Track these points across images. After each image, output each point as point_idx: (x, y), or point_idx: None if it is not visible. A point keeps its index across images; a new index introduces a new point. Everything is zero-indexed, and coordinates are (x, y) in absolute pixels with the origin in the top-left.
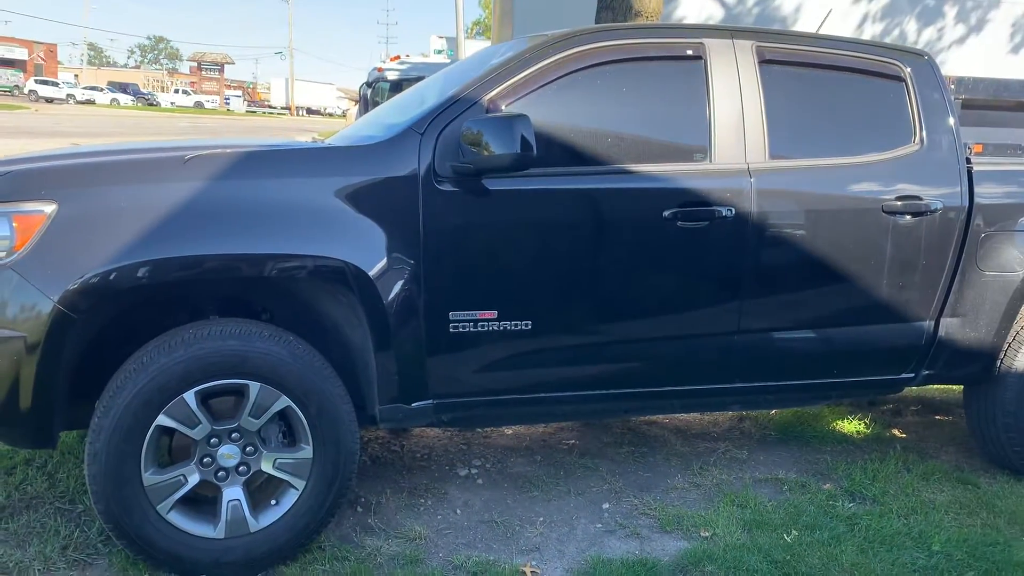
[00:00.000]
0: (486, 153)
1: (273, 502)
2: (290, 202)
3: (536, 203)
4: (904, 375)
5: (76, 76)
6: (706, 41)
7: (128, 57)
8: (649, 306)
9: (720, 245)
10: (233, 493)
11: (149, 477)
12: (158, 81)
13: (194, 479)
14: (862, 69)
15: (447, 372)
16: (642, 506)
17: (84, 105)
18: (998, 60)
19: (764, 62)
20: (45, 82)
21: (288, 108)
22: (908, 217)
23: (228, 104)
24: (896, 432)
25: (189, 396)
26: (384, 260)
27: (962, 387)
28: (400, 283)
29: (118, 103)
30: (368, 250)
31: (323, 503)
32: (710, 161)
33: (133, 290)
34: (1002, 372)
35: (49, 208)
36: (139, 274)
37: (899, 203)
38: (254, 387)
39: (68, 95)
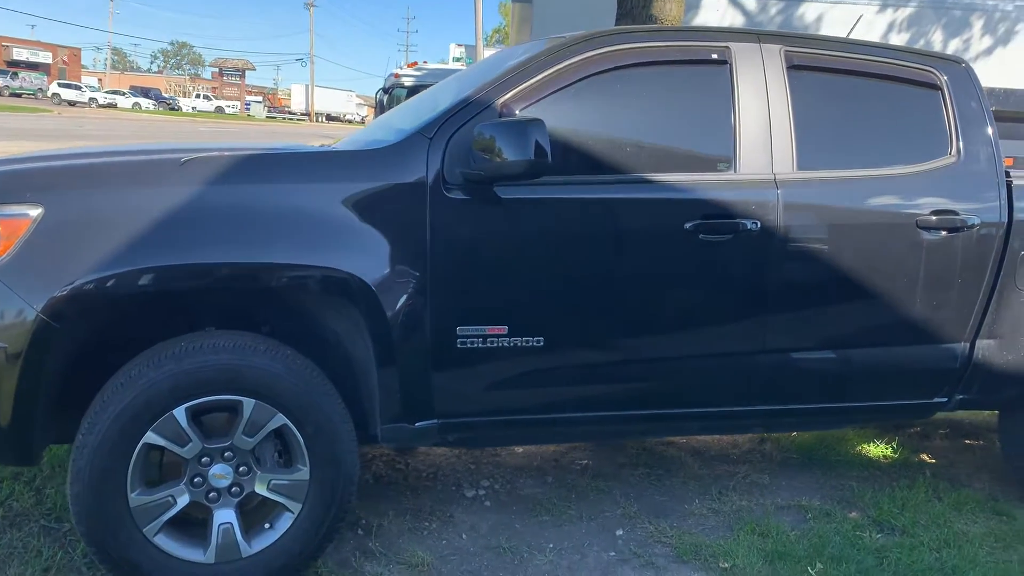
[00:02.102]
0: (498, 160)
1: (267, 525)
2: (292, 208)
3: (551, 213)
4: (936, 399)
5: (100, 80)
6: (732, 45)
7: (151, 62)
8: (668, 323)
9: (744, 260)
10: (225, 516)
11: (136, 498)
12: (180, 86)
13: (183, 500)
14: (896, 76)
15: (453, 390)
16: (658, 533)
17: (106, 109)
18: None
19: (793, 67)
20: (68, 86)
21: (308, 114)
22: (943, 233)
23: (248, 110)
24: (925, 457)
25: (179, 412)
26: (388, 271)
27: (997, 412)
28: (405, 296)
29: (140, 107)
30: (371, 260)
31: (320, 527)
32: (735, 171)
33: (128, 299)
34: None
35: (34, 212)
36: (138, 281)
37: (933, 218)
38: (248, 404)
39: (90, 99)
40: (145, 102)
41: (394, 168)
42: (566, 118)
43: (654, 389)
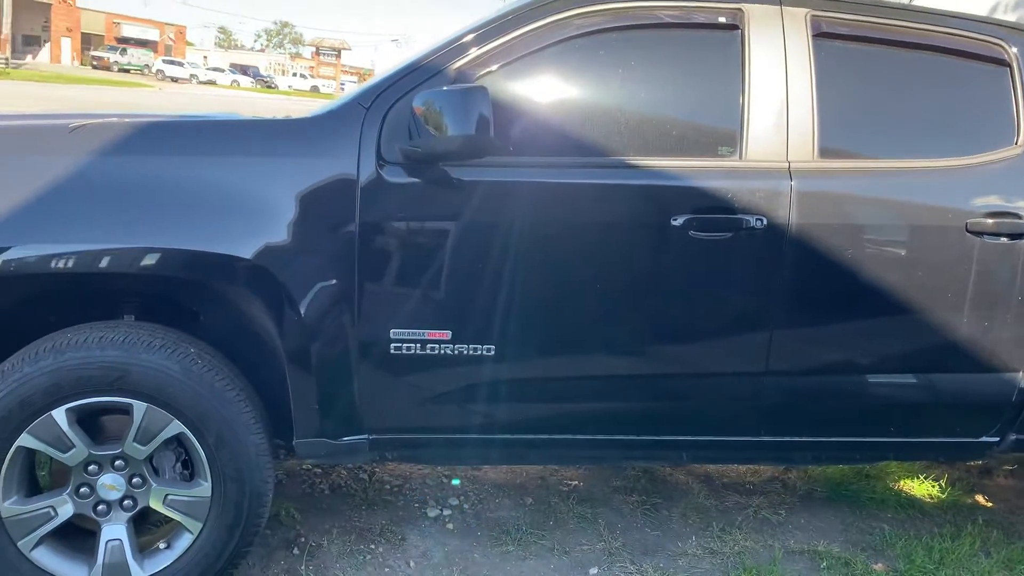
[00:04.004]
0: (436, 134)
1: (163, 545)
2: (192, 185)
3: (508, 199)
4: (985, 438)
5: (205, 57)
6: (746, 7)
7: (255, 40)
8: (648, 336)
9: (746, 264)
10: (114, 532)
11: (9, 507)
12: (279, 64)
13: (66, 512)
14: (952, 49)
15: (387, 403)
16: (638, 574)
17: (206, 85)
18: None
19: (820, 35)
20: (172, 62)
21: None
22: (1002, 239)
23: (344, 89)
24: (979, 499)
25: (59, 414)
26: (304, 260)
27: None
28: (325, 291)
29: (238, 84)
30: (284, 247)
31: (223, 551)
32: (740, 156)
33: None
34: None
35: None
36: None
37: (989, 221)
38: (139, 408)
39: (191, 75)
40: (244, 80)
41: (320, 140)
42: (536, 89)
43: (630, 413)
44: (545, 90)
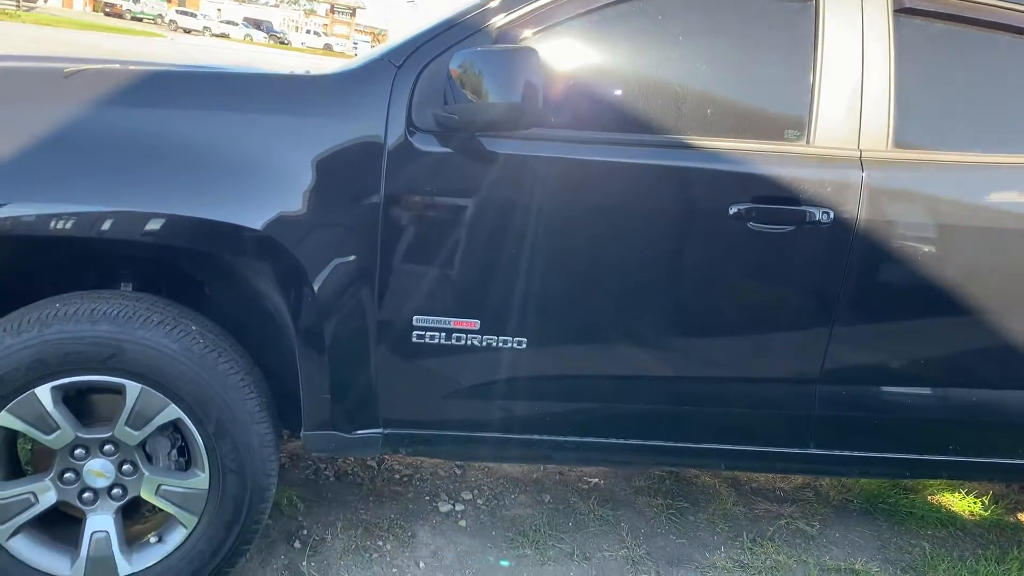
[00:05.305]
0: (475, 100)
1: (154, 539)
2: (202, 143)
3: (550, 178)
4: None
5: (219, 10)
6: None
7: None
8: (693, 335)
9: (807, 261)
10: (100, 523)
11: None
12: (293, 21)
13: (48, 499)
14: None
15: (404, 395)
16: None
17: (218, 38)
18: None
19: (903, 11)
20: (185, 13)
21: None
22: None
23: (356, 48)
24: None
25: (43, 392)
26: (321, 233)
27: None
28: (343, 267)
29: (251, 39)
30: (298, 217)
31: (219, 549)
32: (807, 142)
33: None
34: None
35: None
36: None
37: None
38: (132, 389)
39: (204, 27)
40: (257, 34)
41: (345, 101)
42: (587, 54)
43: (669, 416)
44: (597, 57)
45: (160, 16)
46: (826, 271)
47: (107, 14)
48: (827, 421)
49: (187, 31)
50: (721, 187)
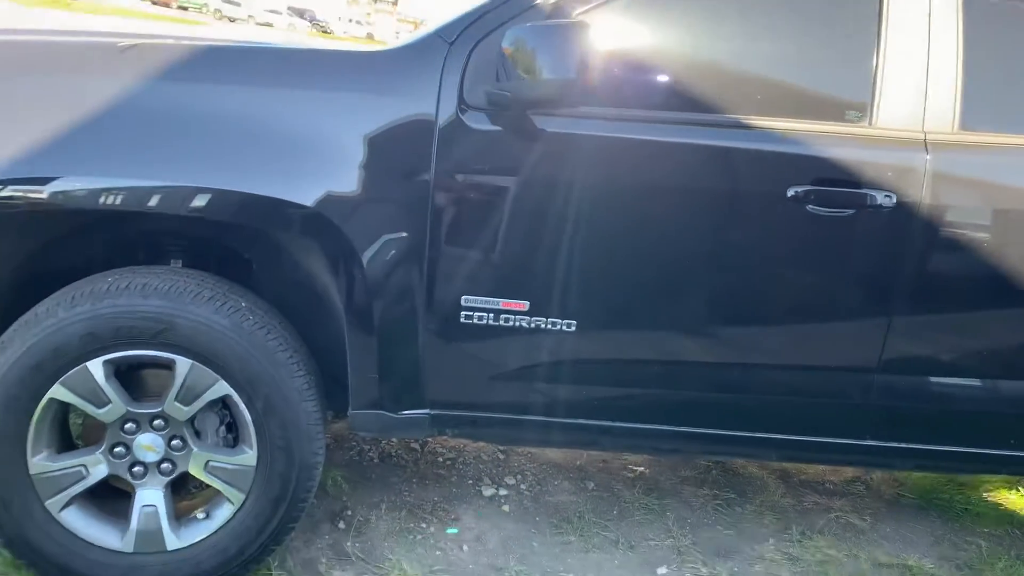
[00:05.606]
0: (528, 77)
1: (202, 515)
2: (252, 118)
3: (602, 157)
4: None
5: None
6: None
7: None
8: (747, 321)
9: (868, 245)
10: (150, 496)
11: (38, 463)
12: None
13: (99, 472)
14: None
15: (452, 376)
16: None
17: (262, 27)
18: None
19: None
20: (229, 1)
21: None
22: None
23: (398, 37)
24: None
25: (95, 366)
26: (370, 208)
27: None
28: (392, 245)
29: (294, 28)
30: (348, 192)
31: (265, 527)
32: (869, 123)
33: (37, 215)
34: None
35: None
36: (39, 196)
37: None
38: (183, 364)
39: (249, 15)
40: (300, 23)
41: (397, 77)
42: (642, 32)
43: (721, 404)
44: (651, 33)
45: (205, 5)
46: (887, 256)
47: (154, 3)
48: (884, 412)
49: (231, 20)
50: (779, 169)
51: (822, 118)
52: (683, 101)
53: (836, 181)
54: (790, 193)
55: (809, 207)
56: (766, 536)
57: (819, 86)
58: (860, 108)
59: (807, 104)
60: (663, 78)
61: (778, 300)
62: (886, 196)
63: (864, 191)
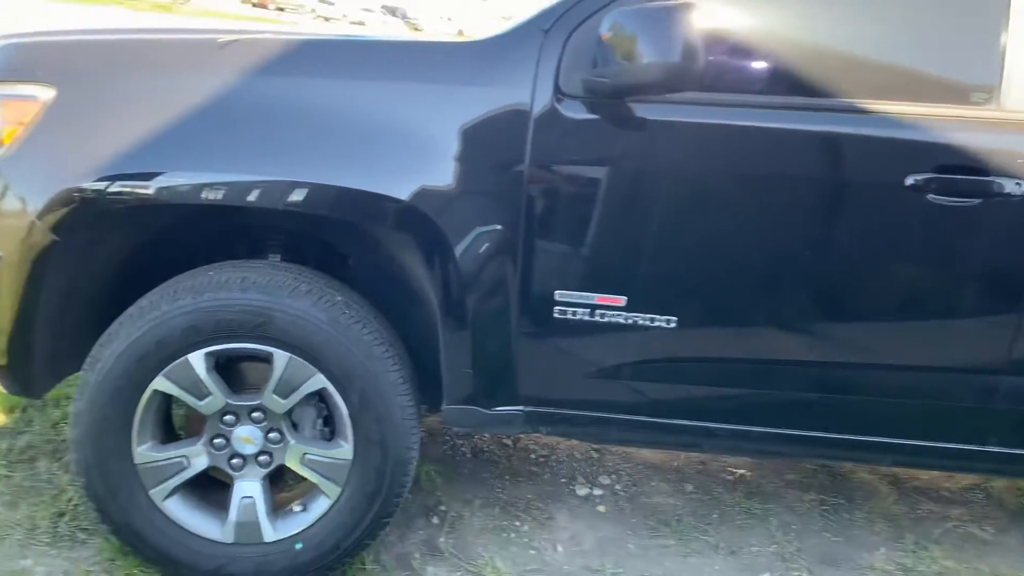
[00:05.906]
0: (627, 63)
1: (298, 508)
2: (348, 112)
3: (706, 146)
4: None
5: None
6: None
7: None
8: (861, 318)
9: (995, 238)
10: (248, 488)
11: (143, 453)
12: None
13: (200, 463)
14: None
15: (546, 373)
16: None
17: (356, 25)
18: None
19: None
20: (324, 1)
21: None
22: None
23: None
24: None
25: (196, 358)
26: (464, 200)
27: None
28: (486, 237)
29: (387, 25)
30: (443, 185)
31: (360, 521)
32: (996, 106)
33: (140, 210)
34: None
35: (46, 94)
36: (149, 191)
37: None
38: (281, 357)
39: (343, 15)
40: (393, 20)
41: (492, 67)
42: (749, 12)
43: (833, 404)
44: (759, 13)
45: (302, 6)
46: (1017, 249)
47: (254, 6)
48: (1012, 416)
49: (326, 19)
50: (897, 155)
51: (944, 101)
52: (792, 85)
53: (960, 168)
54: (909, 182)
55: (930, 196)
56: (877, 544)
57: (941, 67)
58: (986, 90)
59: (928, 87)
60: (771, 61)
61: (894, 295)
62: (1016, 184)
63: (991, 179)
